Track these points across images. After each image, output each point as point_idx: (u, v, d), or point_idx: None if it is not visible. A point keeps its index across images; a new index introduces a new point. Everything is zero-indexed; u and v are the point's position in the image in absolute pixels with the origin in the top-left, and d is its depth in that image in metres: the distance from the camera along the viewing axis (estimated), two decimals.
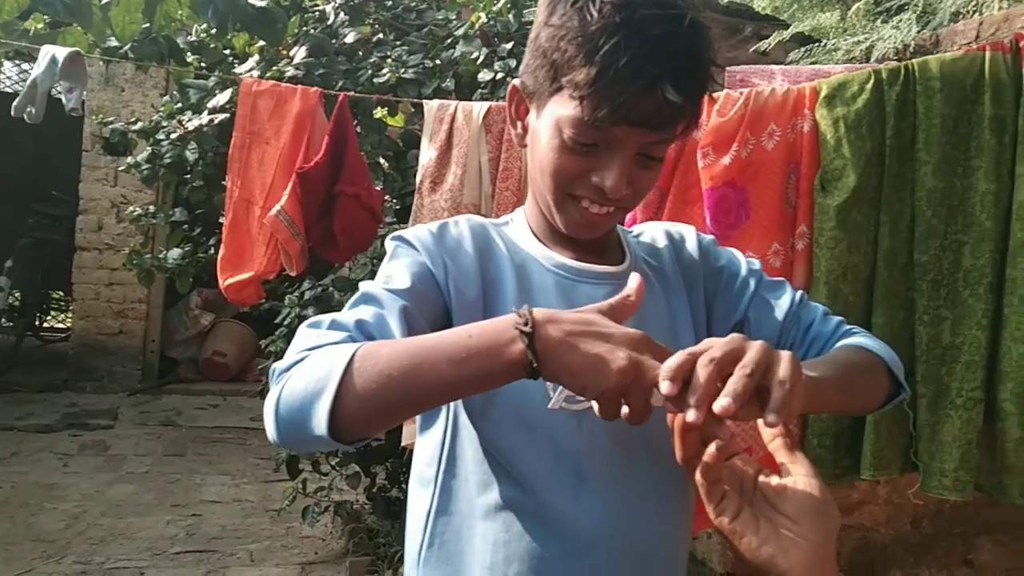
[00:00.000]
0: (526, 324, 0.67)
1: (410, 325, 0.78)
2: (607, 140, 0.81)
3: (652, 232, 1.03)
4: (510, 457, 0.84)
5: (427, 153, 1.94)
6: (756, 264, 1.02)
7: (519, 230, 0.95)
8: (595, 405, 0.69)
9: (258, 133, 2.06)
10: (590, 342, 0.67)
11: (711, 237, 1.05)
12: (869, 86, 1.70)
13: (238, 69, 2.87)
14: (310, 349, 0.73)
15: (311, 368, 0.70)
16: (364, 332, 0.76)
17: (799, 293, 1.00)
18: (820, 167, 1.72)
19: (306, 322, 0.79)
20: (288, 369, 0.72)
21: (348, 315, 0.78)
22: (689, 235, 1.03)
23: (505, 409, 0.84)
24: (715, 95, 1.80)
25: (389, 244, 0.89)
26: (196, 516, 3.90)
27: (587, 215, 0.86)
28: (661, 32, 0.77)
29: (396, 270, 0.84)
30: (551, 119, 0.83)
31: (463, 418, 0.86)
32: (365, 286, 0.82)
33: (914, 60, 1.71)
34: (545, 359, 0.66)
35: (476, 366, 0.67)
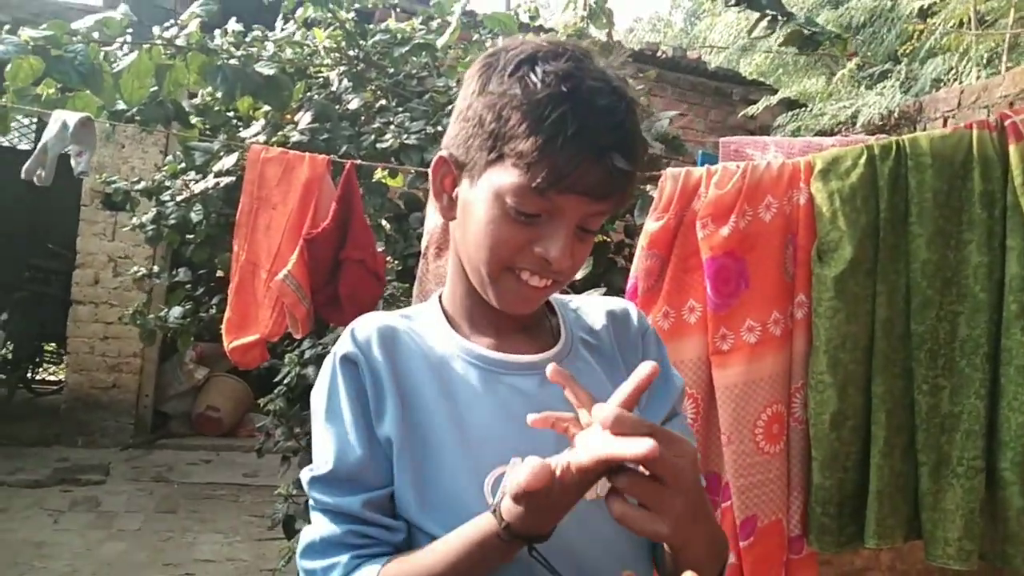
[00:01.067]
0: (504, 528, 0.73)
1: (381, 507, 0.83)
2: (551, 209, 0.80)
3: (591, 307, 0.99)
4: None
5: (433, 219, 1.98)
6: (681, 395, 0.99)
7: (431, 323, 0.91)
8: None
9: (266, 199, 2.10)
10: (560, 503, 0.72)
11: (652, 327, 1.01)
12: (862, 161, 1.76)
13: (243, 133, 2.92)
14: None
15: None
16: (363, 540, 0.82)
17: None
18: (817, 238, 1.76)
19: (303, 544, 0.84)
20: None
21: (329, 529, 0.82)
22: (632, 314, 0.99)
23: (445, 512, 0.81)
24: (712, 168, 1.85)
25: (322, 376, 0.87)
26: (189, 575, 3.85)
27: (525, 289, 0.84)
28: (606, 104, 0.78)
29: (333, 444, 0.84)
30: (489, 190, 0.81)
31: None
32: (316, 490, 0.84)
33: (904, 136, 1.77)
34: (531, 534, 0.73)
35: None
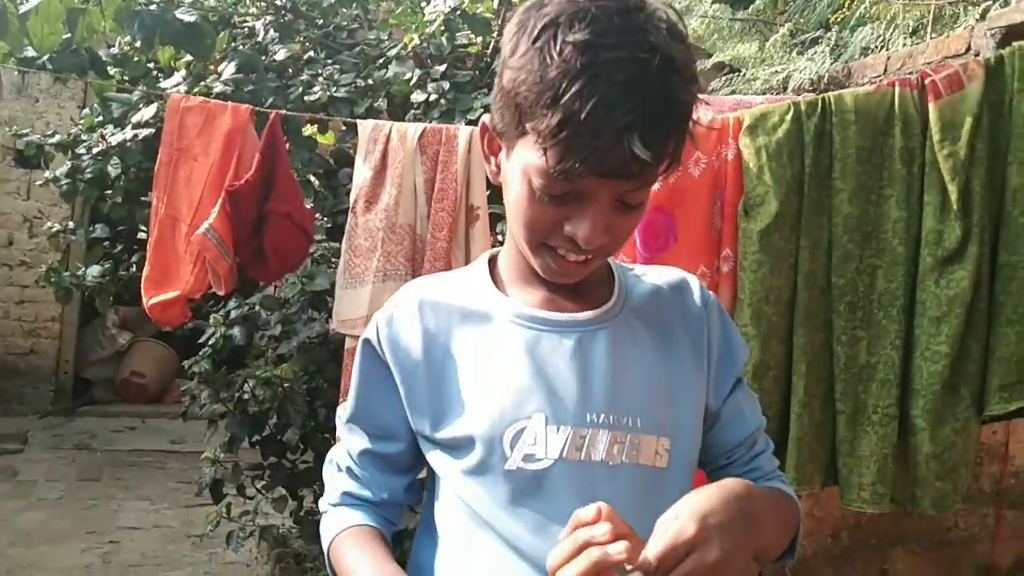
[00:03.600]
0: None
1: (374, 460, 0.94)
2: (578, 191, 0.76)
3: (652, 276, 0.95)
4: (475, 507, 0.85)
5: (362, 172, 1.93)
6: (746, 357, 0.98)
7: (475, 283, 0.92)
8: None
9: (186, 150, 2.01)
10: None
11: (715, 297, 0.97)
12: (789, 117, 1.78)
13: (164, 84, 2.80)
14: (331, 504, 0.97)
15: (322, 532, 0.96)
16: (355, 478, 0.95)
17: (763, 418, 0.98)
18: (744, 193, 1.79)
19: (327, 459, 1.00)
20: (325, 512, 0.98)
21: (343, 458, 0.97)
22: (693, 285, 0.95)
23: (456, 451, 0.86)
24: None
25: (359, 346, 0.94)
26: (113, 543, 3.75)
27: (563, 264, 0.82)
28: (627, 76, 0.70)
29: (355, 392, 0.95)
30: (519, 165, 0.79)
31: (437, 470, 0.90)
32: (341, 425, 0.97)
33: (830, 93, 1.79)
34: None
35: None
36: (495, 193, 2.08)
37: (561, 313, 0.87)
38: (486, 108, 2.78)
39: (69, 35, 2.67)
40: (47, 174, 2.75)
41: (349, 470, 0.96)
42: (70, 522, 3.97)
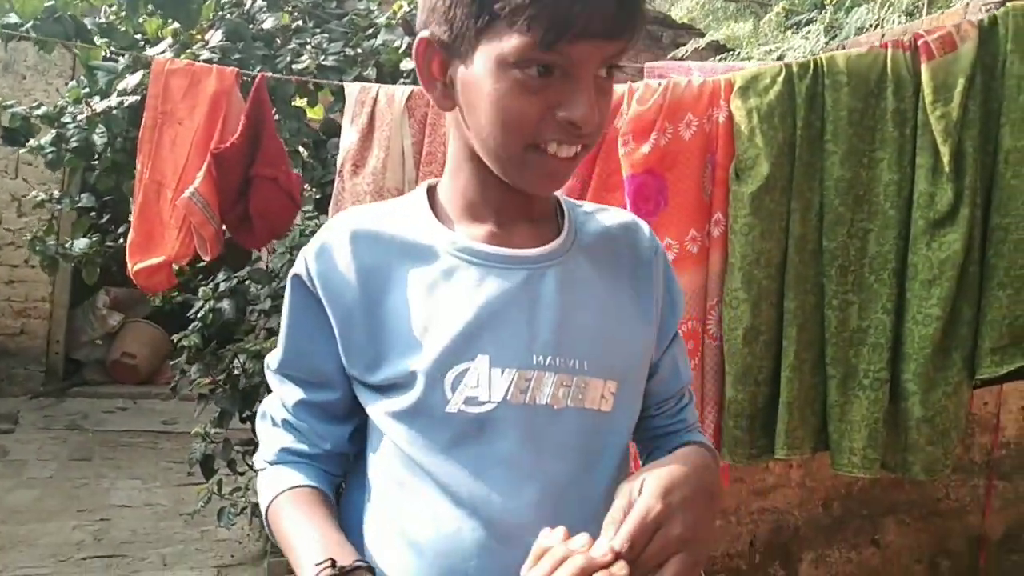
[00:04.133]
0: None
1: (311, 410, 0.87)
2: (564, 64, 0.72)
3: (603, 215, 0.92)
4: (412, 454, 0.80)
5: (349, 136, 1.91)
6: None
7: (415, 215, 0.85)
8: None
9: (170, 113, 1.98)
10: None
11: (662, 245, 0.95)
12: (781, 79, 1.76)
13: (150, 52, 2.76)
14: (268, 462, 0.89)
15: (259, 492, 0.89)
16: (292, 431, 0.88)
17: (692, 372, 0.97)
18: (735, 156, 1.76)
19: (259, 412, 0.92)
20: (261, 469, 0.90)
21: (278, 411, 0.89)
22: (644, 229, 0.93)
23: (392, 394, 0.81)
24: (634, 86, 1.83)
25: (288, 283, 0.87)
26: (104, 521, 3.74)
27: (553, 163, 0.76)
28: None
29: (285, 336, 0.88)
30: (488, 63, 0.73)
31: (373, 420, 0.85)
32: (271, 375, 0.90)
33: (822, 55, 1.77)
34: None
35: None
36: None
37: (509, 249, 0.82)
38: None
39: (52, 2, 2.63)
40: (31, 142, 2.71)
41: (286, 423, 0.88)
42: (61, 500, 3.95)
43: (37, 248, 2.73)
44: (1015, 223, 1.66)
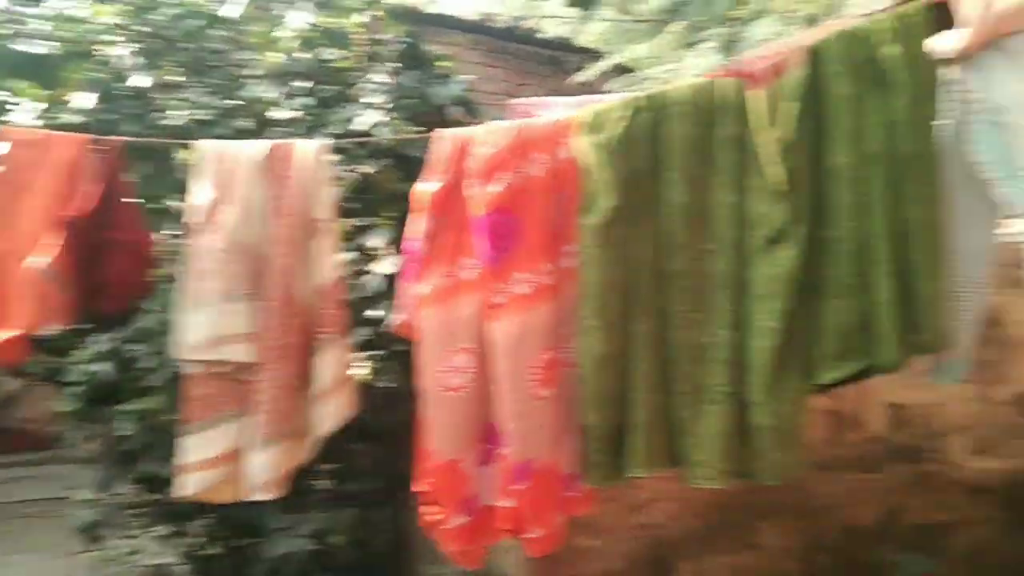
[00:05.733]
0: None
1: None
2: None
3: None
4: None
5: (202, 193, 1.91)
6: None
7: None
8: None
9: (21, 182, 1.95)
10: None
11: None
12: (624, 114, 1.84)
13: (9, 116, 2.71)
14: None
15: None
16: None
17: None
18: (582, 190, 1.83)
19: None
20: None
21: None
22: None
23: None
24: (479, 127, 1.89)
25: None
26: None
27: None
28: None
29: None
30: None
31: None
32: None
33: (663, 88, 1.86)
34: None
35: None
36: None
37: None
38: (349, 120, 2.78)
39: None
40: None
41: None
42: None
43: None
44: (846, 235, 1.76)
